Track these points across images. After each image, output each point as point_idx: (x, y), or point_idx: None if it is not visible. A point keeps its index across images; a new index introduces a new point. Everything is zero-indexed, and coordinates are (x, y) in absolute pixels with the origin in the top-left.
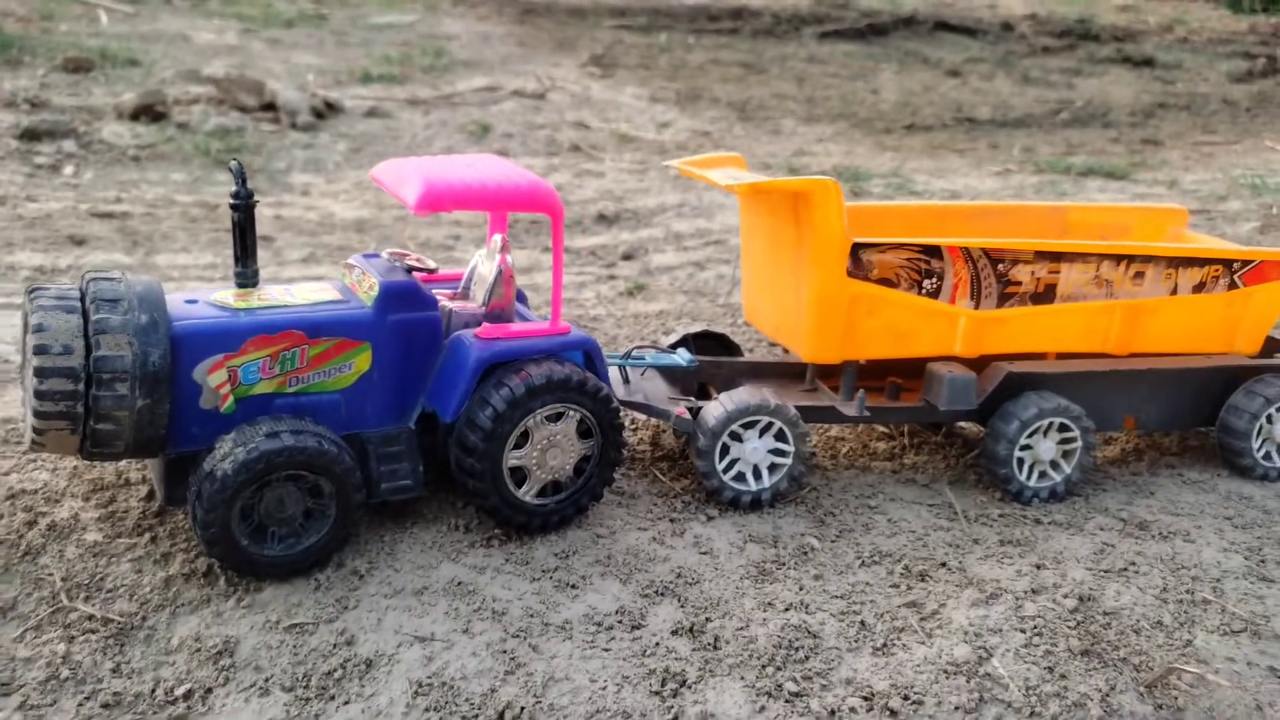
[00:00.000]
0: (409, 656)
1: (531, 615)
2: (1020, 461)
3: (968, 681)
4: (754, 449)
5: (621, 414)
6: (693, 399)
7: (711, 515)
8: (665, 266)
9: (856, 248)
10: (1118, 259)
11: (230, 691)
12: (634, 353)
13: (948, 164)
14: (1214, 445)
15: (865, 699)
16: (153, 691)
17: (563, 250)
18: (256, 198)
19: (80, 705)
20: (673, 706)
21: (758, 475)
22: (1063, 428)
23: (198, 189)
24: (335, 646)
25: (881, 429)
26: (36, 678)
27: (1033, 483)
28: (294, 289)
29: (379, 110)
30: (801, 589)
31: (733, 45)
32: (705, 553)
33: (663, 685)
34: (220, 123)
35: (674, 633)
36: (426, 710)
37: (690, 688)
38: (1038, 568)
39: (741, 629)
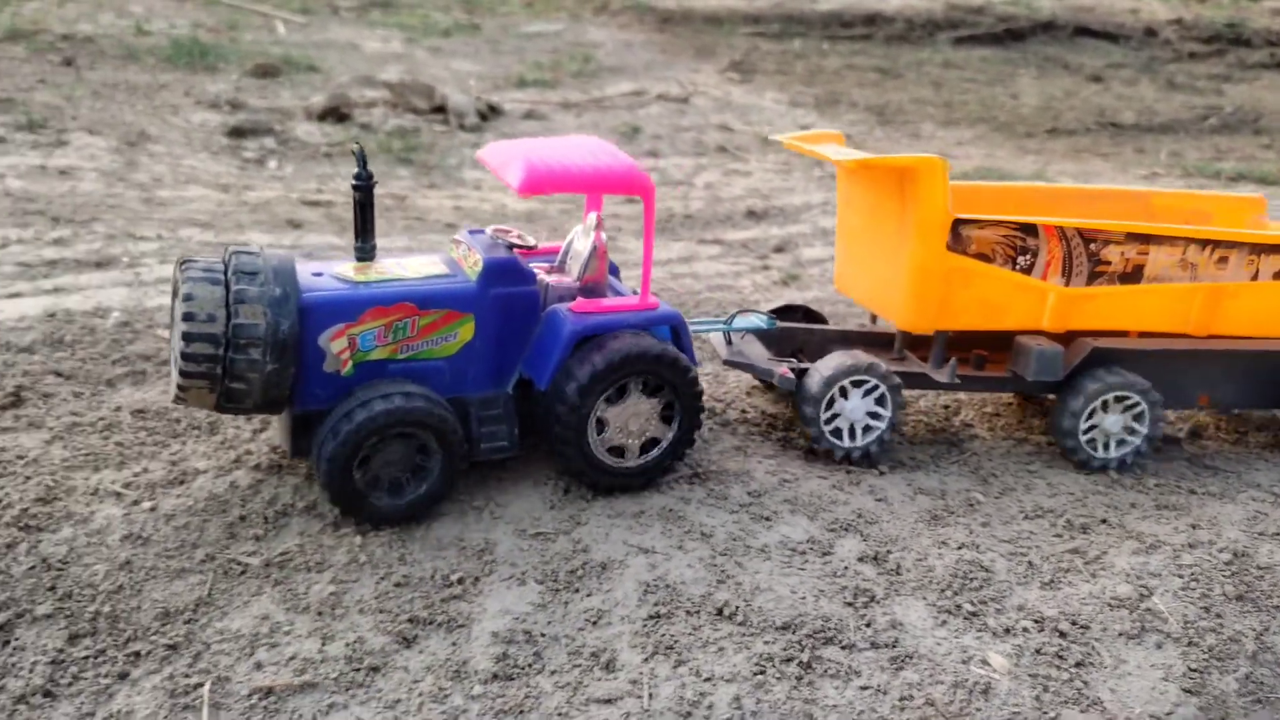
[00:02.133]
0: (635, 563)
1: (734, 539)
2: (1089, 436)
3: (1130, 613)
4: (854, 407)
5: (701, 387)
6: (794, 360)
7: (883, 470)
8: (815, 259)
9: (957, 223)
10: (1204, 243)
11: (493, 580)
12: (736, 318)
13: (1092, 167)
14: None
15: (1036, 622)
16: (432, 576)
17: (653, 229)
18: (375, 179)
19: (378, 583)
20: (865, 615)
21: (852, 434)
22: (1129, 402)
23: (384, 182)
24: (574, 552)
25: (1037, 404)
26: (341, 561)
27: (1100, 454)
28: (406, 263)
29: (535, 113)
30: (971, 533)
31: (867, 51)
32: (880, 500)
33: (855, 598)
34: (397, 124)
35: (860, 560)
36: (655, 604)
37: (879, 603)
38: (1193, 527)
39: (920, 560)
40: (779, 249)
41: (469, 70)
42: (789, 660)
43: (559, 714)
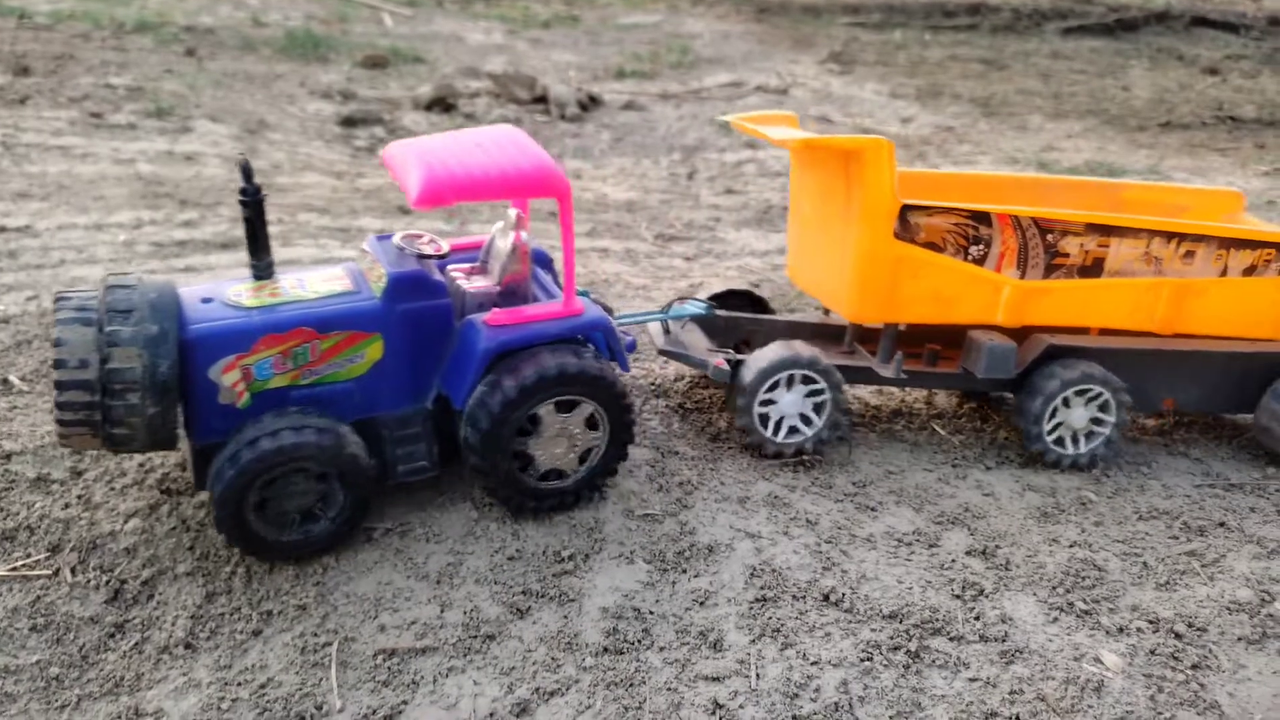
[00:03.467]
0: (742, 547)
1: (839, 528)
2: (1056, 435)
3: (1250, 619)
4: (791, 402)
5: (630, 399)
6: (731, 351)
7: (989, 465)
8: None
9: (905, 209)
10: (1169, 236)
11: (603, 558)
12: (674, 306)
13: (1209, 163)
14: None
15: (1151, 622)
16: (544, 552)
17: (573, 232)
18: (265, 193)
19: (492, 555)
20: (974, 608)
21: (781, 427)
22: (1091, 394)
23: None
24: (680, 534)
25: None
26: (458, 533)
27: (1070, 450)
28: (308, 279)
29: (635, 104)
30: (1083, 531)
31: (971, 41)
32: (988, 495)
33: (963, 591)
34: (501, 114)
35: (968, 553)
36: (762, 588)
37: (987, 596)
38: None
39: (1030, 556)
40: None
41: (569, 61)
42: (896, 649)
43: (668, 688)
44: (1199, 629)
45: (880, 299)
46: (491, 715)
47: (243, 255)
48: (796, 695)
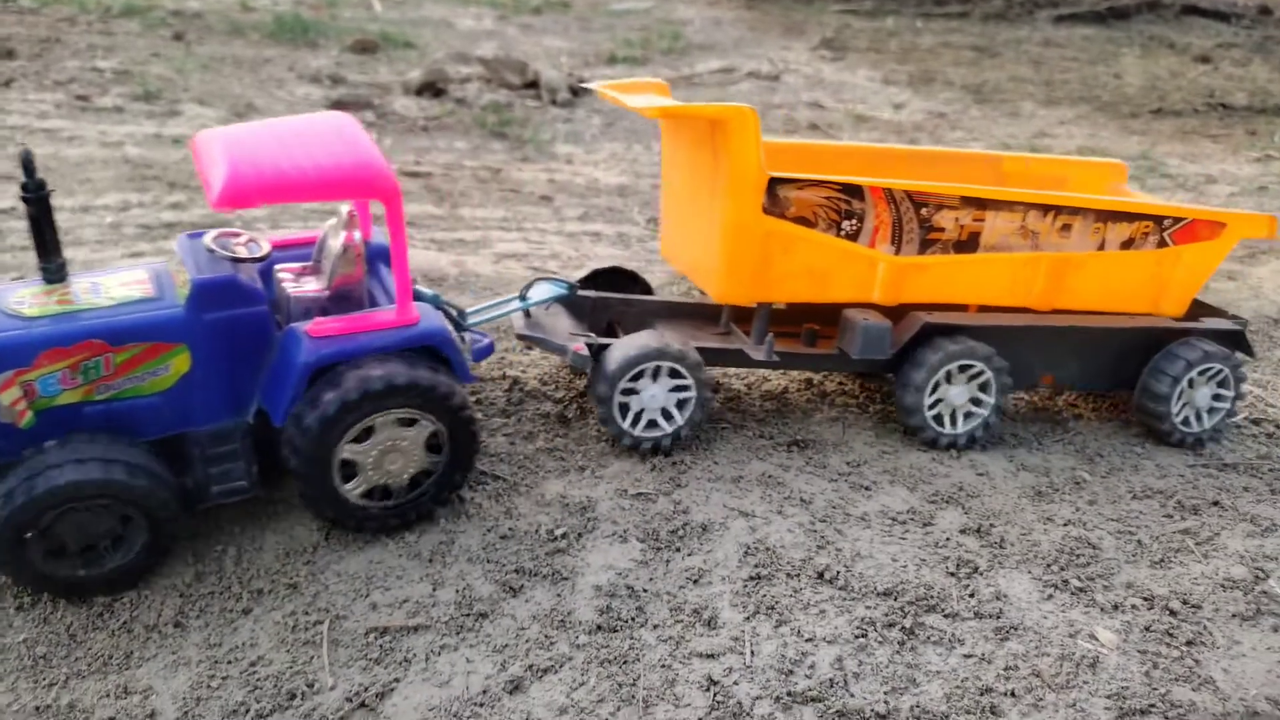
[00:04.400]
0: (736, 525)
1: (833, 507)
2: (935, 411)
3: (1245, 595)
4: (654, 395)
5: (473, 414)
6: (594, 335)
7: (983, 445)
8: None
9: (774, 183)
10: (1045, 209)
11: (596, 537)
12: (528, 289)
13: (1200, 149)
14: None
15: (1145, 599)
16: (536, 531)
17: (404, 236)
18: (50, 188)
19: (484, 535)
20: (968, 585)
21: (668, 417)
22: (973, 371)
23: (479, 155)
24: (674, 513)
25: None
26: (449, 512)
27: (948, 429)
28: (104, 284)
29: None
30: (1077, 510)
31: (963, 29)
32: (982, 474)
33: (957, 569)
34: (492, 99)
35: (962, 531)
36: (756, 565)
37: (982, 574)
38: None
39: (1025, 535)
40: None
41: (560, 47)
42: (891, 625)
43: (662, 665)
44: (1193, 606)
45: (749, 278)
46: (484, 693)
47: None
48: (791, 672)
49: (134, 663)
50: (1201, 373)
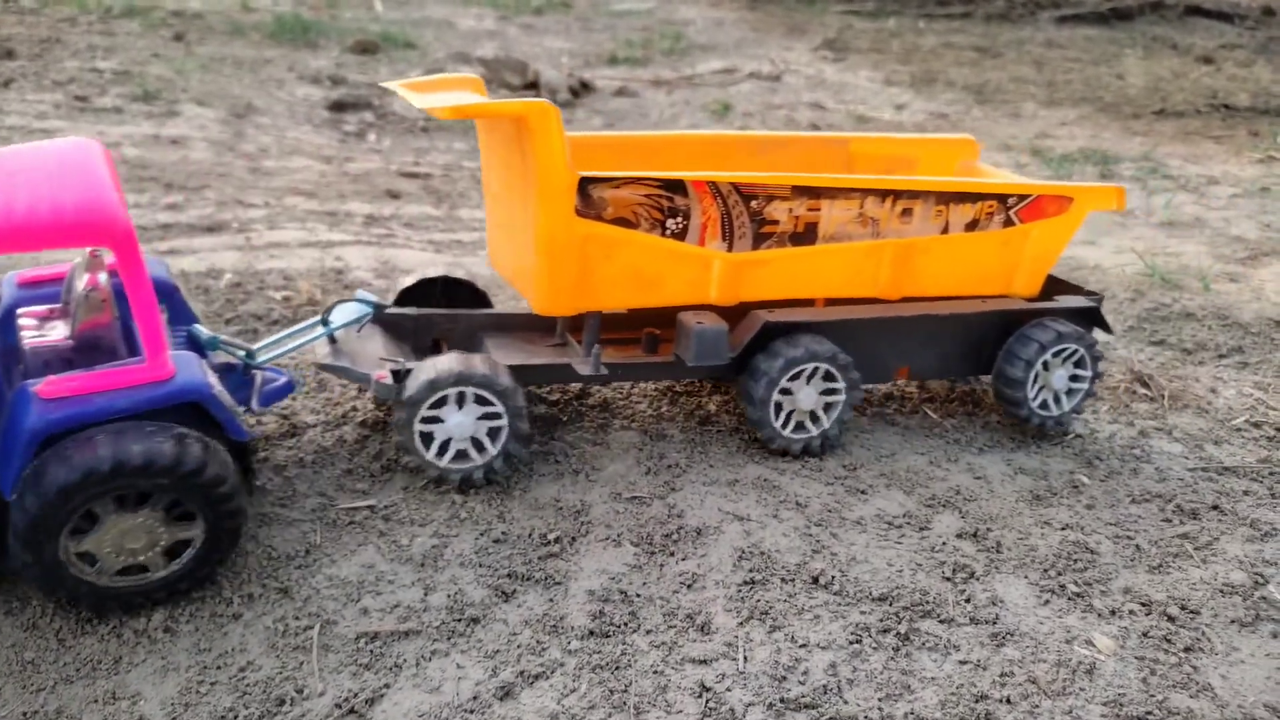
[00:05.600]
0: (730, 530)
1: (829, 510)
2: (779, 410)
3: (1244, 601)
4: (461, 423)
5: (230, 489)
6: (400, 360)
7: (982, 447)
8: None
9: (586, 183)
10: (883, 194)
11: (589, 541)
12: (331, 312)
13: (1203, 150)
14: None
15: (1143, 605)
16: (530, 535)
17: (146, 283)
18: None
19: (477, 539)
20: (964, 590)
21: (480, 448)
22: (826, 375)
23: (478, 156)
24: (668, 516)
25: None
26: (443, 516)
27: (788, 432)
28: None
29: (627, 90)
30: (1075, 514)
31: (965, 30)
32: (979, 478)
33: (953, 574)
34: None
35: (958, 536)
36: (750, 570)
37: (978, 579)
38: None
39: (1021, 539)
40: None
41: (561, 47)
42: (886, 631)
43: (654, 671)
44: (1192, 612)
45: (570, 287)
46: (475, 698)
47: (228, 238)
48: (784, 678)
49: (123, 668)
50: (1056, 354)
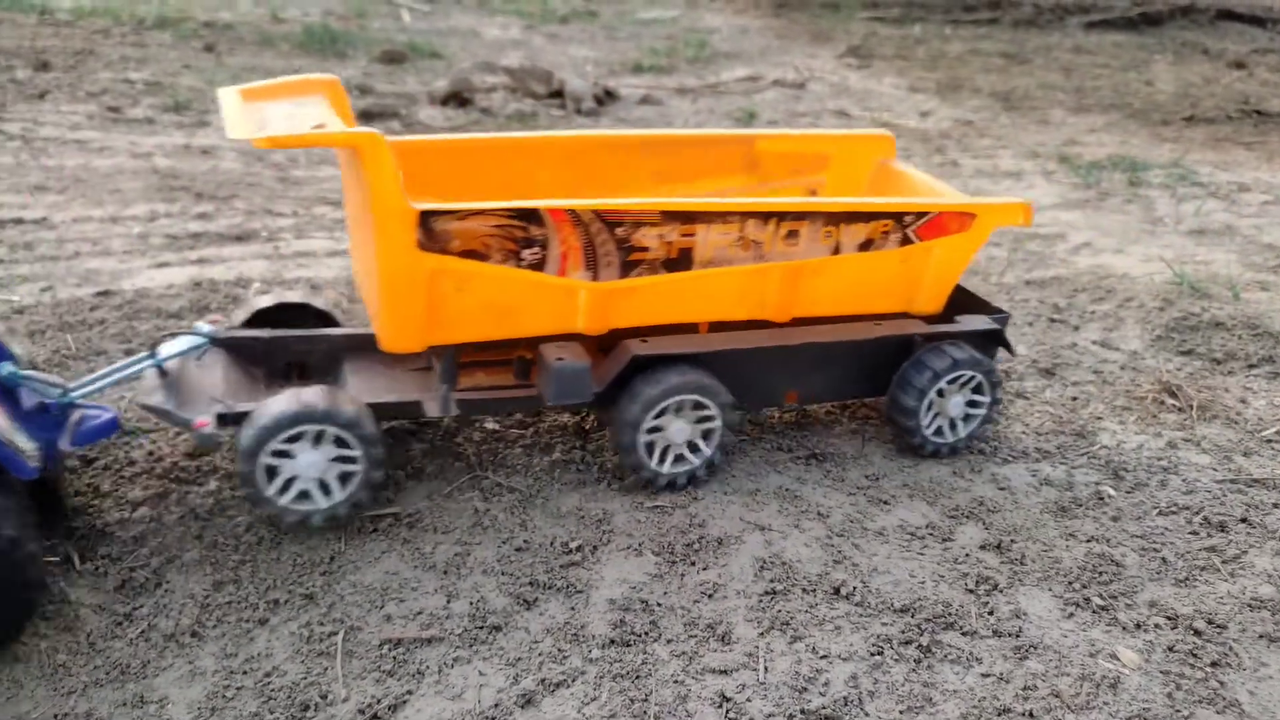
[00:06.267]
0: (751, 540)
1: (851, 521)
2: (651, 447)
3: (1272, 616)
4: (311, 463)
5: (25, 552)
6: (229, 403)
7: (1005, 458)
8: None
9: (428, 216)
10: (766, 216)
11: (611, 550)
12: (161, 346)
13: (1234, 157)
14: None
15: (1169, 619)
16: (552, 543)
17: None
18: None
19: (499, 547)
20: (988, 603)
21: (326, 490)
22: (696, 405)
23: None
24: (690, 526)
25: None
26: (465, 524)
27: (666, 468)
28: None
29: (651, 98)
30: (1100, 526)
31: (992, 36)
32: (1003, 489)
33: (976, 586)
34: (517, 108)
35: (982, 547)
36: (771, 580)
37: (1002, 591)
38: None
39: (1046, 551)
40: None
41: (586, 56)
42: (907, 643)
43: (675, 681)
44: (1219, 626)
45: (417, 323)
46: (497, 706)
47: (257, 247)
48: (805, 689)
49: (151, 672)
50: (952, 381)
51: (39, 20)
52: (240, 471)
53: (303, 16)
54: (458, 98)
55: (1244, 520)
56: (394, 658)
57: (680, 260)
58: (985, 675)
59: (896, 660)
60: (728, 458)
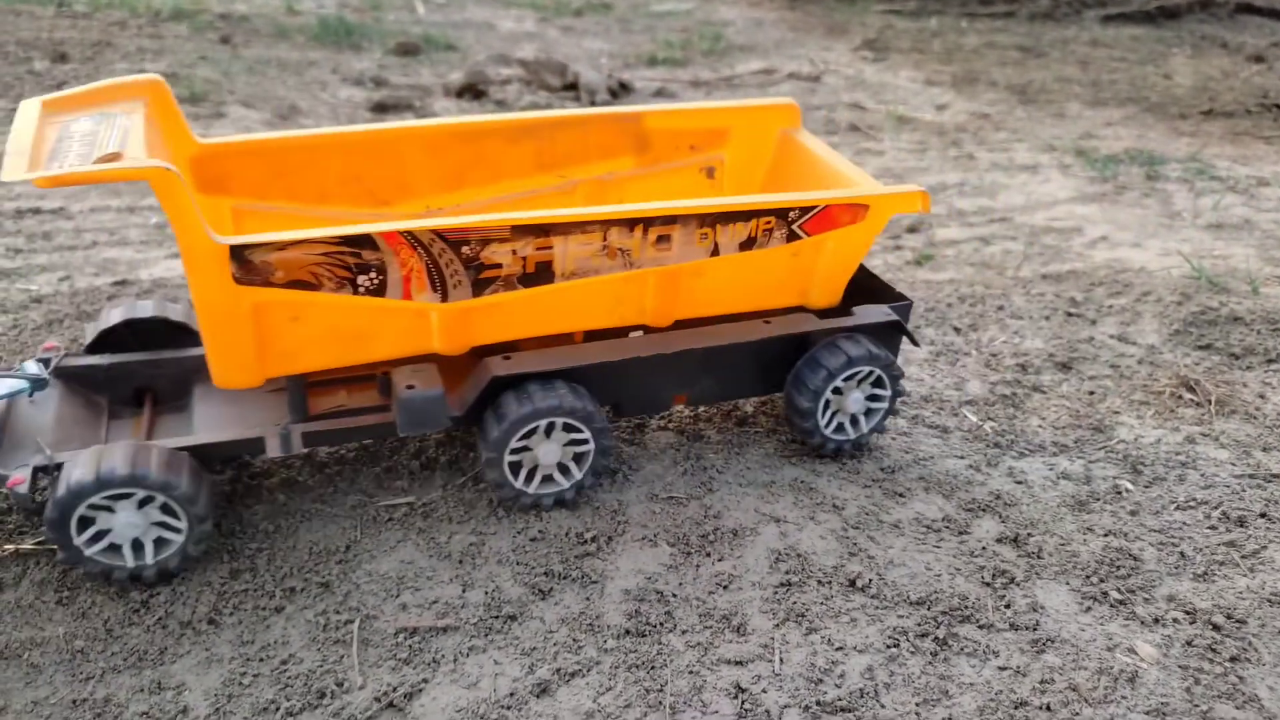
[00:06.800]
0: (767, 531)
1: (866, 513)
2: (517, 468)
3: None
4: (126, 524)
5: None
6: (49, 452)
7: (1023, 451)
8: (950, 240)
9: (240, 249)
10: (631, 224)
11: (626, 541)
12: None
13: (1253, 151)
14: None
15: (1188, 613)
16: (567, 534)
17: None
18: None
19: (514, 537)
20: (1004, 596)
21: (139, 549)
22: (566, 426)
23: None
24: (705, 517)
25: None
26: (481, 514)
27: (533, 489)
28: None
29: (665, 90)
30: (1118, 520)
31: (1008, 29)
32: (1020, 482)
33: (993, 579)
34: (531, 100)
35: (998, 540)
36: (786, 572)
37: (1019, 585)
38: None
39: (1063, 545)
40: (912, 229)
41: (600, 48)
42: (924, 635)
43: (690, 671)
44: (1238, 621)
45: (249, 358)
46: (512, 695)
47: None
48: (820, 680)
49: (168, 658)
50: (849, 378)
51: (56, 12)
52: (47, 518)
53: (318, 8)
54: (472, 90)
55: (1263, 515)
56: (409, 646)
57: (540, 274)
58: (1002, 668)
59: (913, 653)
60: (741, 450)
